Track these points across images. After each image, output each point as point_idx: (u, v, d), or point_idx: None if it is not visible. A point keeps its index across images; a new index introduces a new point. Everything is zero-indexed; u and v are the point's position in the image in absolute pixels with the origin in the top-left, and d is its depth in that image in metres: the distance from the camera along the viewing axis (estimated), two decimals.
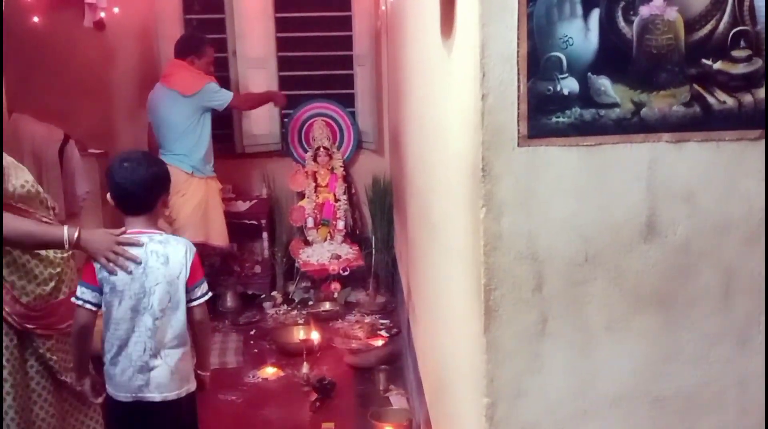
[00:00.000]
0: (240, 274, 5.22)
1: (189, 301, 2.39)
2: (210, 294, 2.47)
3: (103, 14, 4.53)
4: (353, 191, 5.43)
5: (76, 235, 2.29)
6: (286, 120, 5.40)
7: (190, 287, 2.39)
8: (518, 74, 1.48)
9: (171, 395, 2.39)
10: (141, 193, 2.37)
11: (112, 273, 2.31)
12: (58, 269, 2.45)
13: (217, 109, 4.62)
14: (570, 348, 1.58)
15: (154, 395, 2.37)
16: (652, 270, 1.56)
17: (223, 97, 4.61)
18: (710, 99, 1.51)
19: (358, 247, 5.17)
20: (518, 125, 1.50)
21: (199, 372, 2.52)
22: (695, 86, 1.51)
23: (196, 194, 4.58)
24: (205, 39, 4.78)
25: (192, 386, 2.48)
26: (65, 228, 2.32)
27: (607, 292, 1.57)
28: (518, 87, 1.49)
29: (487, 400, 1.59)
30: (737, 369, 1.60)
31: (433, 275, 2.47)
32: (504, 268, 1.55)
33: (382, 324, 4.75)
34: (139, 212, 2.39)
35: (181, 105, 4.52)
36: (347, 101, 5.44)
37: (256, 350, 4.51)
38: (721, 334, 1.59)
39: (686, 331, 1.59)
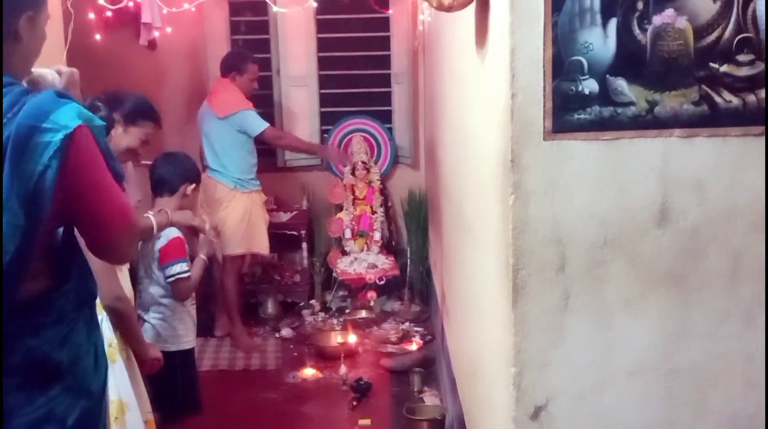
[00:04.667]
0: (280, 283, 5.43)
1: (165, 278, 2.85)
2: (182, 275, 2.83)
3: (156, 33, 4.80)
4: (390, 204, 5.62)
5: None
6: (326, 136, 5.63)
7: (161, 266, 2.85)
8: (544, 76, 1.67)
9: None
10: (164, 176, 2.96)
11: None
12: None
13: (250, 134, 4.75)
14: (590, 323, 1.75)
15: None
16: (665, 253, 1.73)
17: (255, 127, 4.71)
18: (717, 98, 1.68)
19: (393, 258, 5.35)
20: (544, 121, 1.68)
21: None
22: (703, 87, 1.68)
23: (238, 207, 4.72)
24: (247, 56, 4.90)
25: (171, 346, 2.86)
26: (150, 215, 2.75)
27: (625, 272, 1.73)
28: (544, 87, 1.67)
29: (515, 370, 1.76)
30: (744, 344, 1.75)
31: (467, 268, 2.65)
32: (530, 250, 1.72)
33: (416, 331, 4.91)
34: (161, 193, 2.96)
35: (217, 124, 4.72)
36: (385, 117, 5.66)
37: (295, 354, 4.70)
38: (729, 313, 1.74)
39: (697, 309, 1.74)
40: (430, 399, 3.84)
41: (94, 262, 1.73)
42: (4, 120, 1.44)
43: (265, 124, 4.78)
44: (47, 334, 1.57)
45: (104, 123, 1.59)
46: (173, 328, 2.86)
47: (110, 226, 1.58)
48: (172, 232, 2.85)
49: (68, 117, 1.48)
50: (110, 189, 1.57)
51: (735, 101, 1.68)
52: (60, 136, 1.45)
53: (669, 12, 1.66)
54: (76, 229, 1.63)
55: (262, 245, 4.89)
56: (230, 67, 4.81)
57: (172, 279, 2.82)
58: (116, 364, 2.37)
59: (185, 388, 2.88)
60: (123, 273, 2.62)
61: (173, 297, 2.84)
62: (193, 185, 2.98)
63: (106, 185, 1.56)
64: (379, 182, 5.49)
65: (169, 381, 2.83)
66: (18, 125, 1.44)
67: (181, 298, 2.85)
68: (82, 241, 1.66)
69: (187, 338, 2.97)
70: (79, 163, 1.48)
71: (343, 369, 4.24)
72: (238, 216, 4.72)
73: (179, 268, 2.82)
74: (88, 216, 1.56)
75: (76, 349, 1.63)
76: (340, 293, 5.36)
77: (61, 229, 1.60)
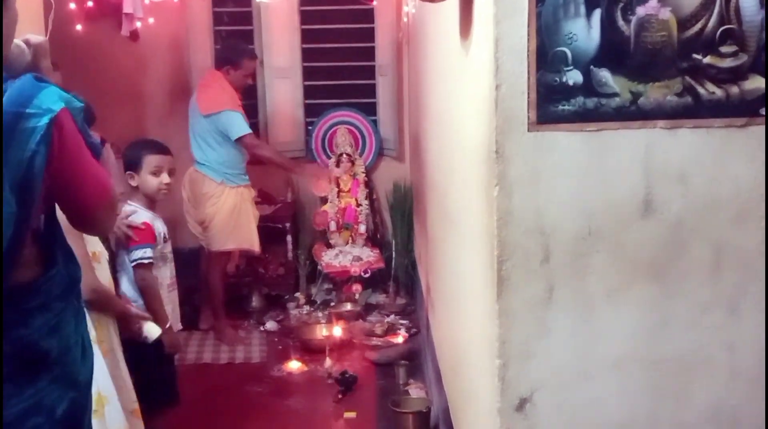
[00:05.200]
0: (265, 276, 5.40)
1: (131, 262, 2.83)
2: (143, 261, 2.82)
3: (139, 24, 4.74)
4: (374, 196, 5.61)
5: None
6: (310, 127, 5.61)
7: (128, 249, 2.84)
8: (528, 67, 1.66)
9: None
10: (128, 157, 2.98)
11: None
12: None
13: (229, 137, 4.58)
14: (574, 314, 1.75)
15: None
16: (648, 244, 1.73)
17: (234, 131, 4.55)
18: (700, 90, 1.69)
19: (378, 250, 5.33)
20: (528, 112, 1.68)
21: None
22: (687, 78, 1.68)
23: (227, 203, 4.64)
24: (245, 50, 4.77)
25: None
26: None
27: (608, 263, 1.73)
28: (528, 78, 1.67)
29: (499, 361, 1.76)
30: (726, 335, 1.76)
31: (452, 260, 2.65)
32: (514, 241, 1.72)
33: (401, 324, 4.90)
34: (131, 175, 2.93)
35: (201, 120, 4.62)
36: (369, 110, 5.64)
37: (280, 347, 4.68)
38: (711, 303, 1.75)
39: (679, 300, 1.75)
40: (415, 391, 3.84)
41: None
42: None
43: (246, 130, 4.61)
44: (36, 322, 1.58)
45: (82, 104, 1.60)
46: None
47: (93, 201, 1.64)
48: (141, 217, 2.85)
49: (51, 100, 1.50)
50: (91, 166, 1.63)
51: (718, 92, 1.69)
52: (45, 120, 1.47)
53: (653, 3, 1.65)
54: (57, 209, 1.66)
55: (251, 241, 4.82)
56: (225, 60, 4.69)
57: (134, 263, 2.81)
58: (95, 356, 2.36)
59: (166, 376, 2.87)
60: (101, 264, 2.61)
61: (139, 282, 2.81)
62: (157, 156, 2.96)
63: (87, 163, 1.61)
64: (363, 174, 5.47)
65: (150, 369, 2.81)
66: (3, 112, 1.45)
67: (141, 285, 2.82)
68: (63, 220, 1.68)
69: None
70: (63, 145, 1.52)
71: (328, 362, 4.23)
72: (227, 212, 4.65)
73: (142, 253, 2.82)
74: (73, 194, 1.60)
75: (65, 340, 1.64)
76: (325, 286, 5.35)
77: (43, 214, 1.62)
